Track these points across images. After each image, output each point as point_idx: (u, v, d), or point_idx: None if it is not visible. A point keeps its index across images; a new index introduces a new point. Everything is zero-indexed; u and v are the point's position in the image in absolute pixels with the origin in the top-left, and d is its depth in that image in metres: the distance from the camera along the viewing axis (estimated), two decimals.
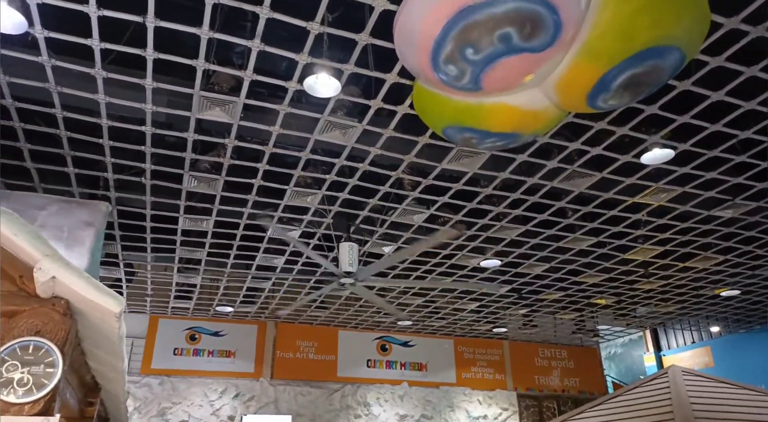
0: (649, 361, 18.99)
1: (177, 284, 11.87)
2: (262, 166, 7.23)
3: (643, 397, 4.85)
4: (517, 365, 17.13)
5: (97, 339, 3.69)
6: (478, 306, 13.79)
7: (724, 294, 12.82)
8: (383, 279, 10.79)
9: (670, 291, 12.75)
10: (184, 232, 9.19)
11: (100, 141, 6.61)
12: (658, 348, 18.94)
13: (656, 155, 6.73)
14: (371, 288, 11.69)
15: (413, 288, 12.19)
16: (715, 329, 16.32)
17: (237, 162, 7.18)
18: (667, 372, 5.11)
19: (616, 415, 4.84)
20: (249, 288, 12.21)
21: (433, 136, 6.52)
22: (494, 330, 15.96)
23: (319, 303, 13.50)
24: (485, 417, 16.00)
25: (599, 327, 16.68)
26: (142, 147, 6.77)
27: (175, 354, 14.05)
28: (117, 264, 10.51)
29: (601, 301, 13.53)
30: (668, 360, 18.53)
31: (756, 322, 15.23)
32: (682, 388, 4.52)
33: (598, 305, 13.85)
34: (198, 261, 10.55)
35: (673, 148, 6.71)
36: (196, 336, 14.39)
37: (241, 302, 13.26)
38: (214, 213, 8.48)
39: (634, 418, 4.49)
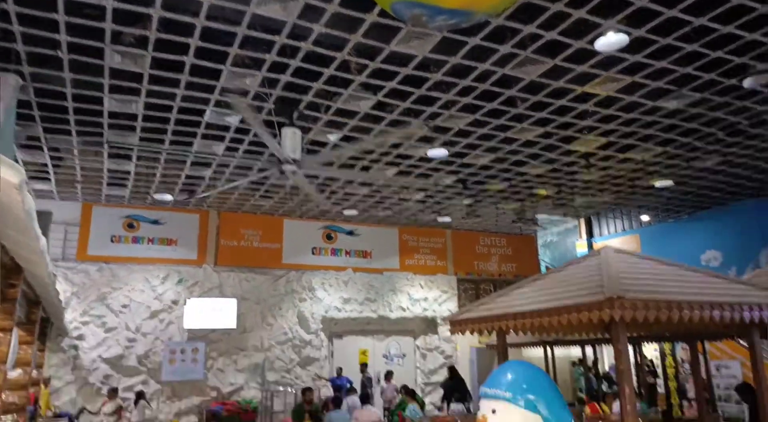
0: (582, 248, 20.12)
1: (109, 171, 11.28)
2: (194, 42, 6.60)
3: (576, 273, 5.03)
4: (458, 252, 17.80)
5: (4, 217, 3.38)
6: (424, 197, 13.92)
7: (658, 184, 13.36)
8: (329, 169, 10.58)
9: (608, 181, 13.18)
10: (112, 114, 8.53)
11: (5, 6, 5.78)
12: (590, 235, 20.02)
13: (610, 41, 6.54)
14: (315, 177, 11.50)
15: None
16: (645, 218, 17.25)
17: (165, 36, 6.50)
18: (600, 251, 5.29)
19: (549, 289, 5.03)
20: (188, 176, 11.76)
21: (382, 13, 6.04)
22: (438, 219, 16.31)
23: (264, 192, 13.26)
24: (426, 299, 16.81)
25: (538, 216, 17.32)
26: (54, 15, 5.99)
27: (112, 241, 13.73)
28: (41, 149, 9.79)
29: (543, 192, 13.90)
30: (599, 246, 19.67)
31: (684, 212, 16.15)
32: (612, 264, 4.70)
33: (539, 196, 14.23)
34: (130, 147, 9.94)
35: (628, 33, 6.51)
36: (134, 224, 14.02)
37: (181, 190, 12.85)
38: (143, 93, 7.84)
39: (566, 291, 4.66)
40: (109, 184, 12.26)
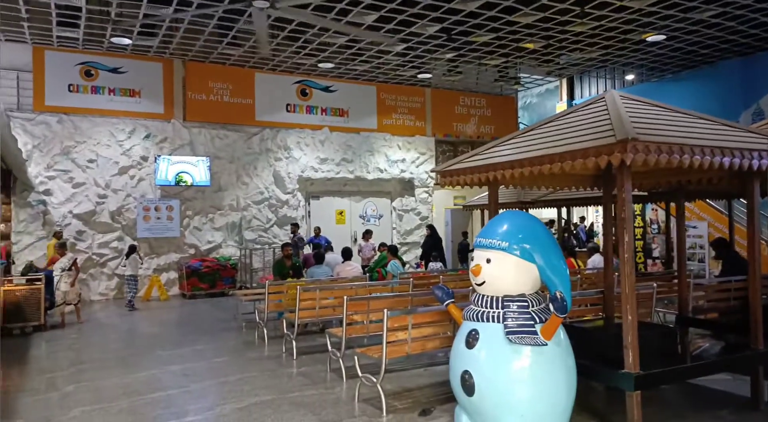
0: (561, 110, 19.76)
1: (57, 6, 10.04)
2: None
3: (579, 119, 4.68)
4: (437, 112, 17.26)
5: None
6: (405, 49, 13.02)
7: (650, 39, 12.71)
8: (301, 12, 9.59)
9: (599, 35, 12.45)
10: None
11: None
12: (571, 97, 19.56)
13: None
14: (286, 23, 10.50)
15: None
16: (629, 77, 16.75)
17: None
18: (604, 96, 4.90)
19: (549, 136, 4.70)
20: (147, 16, 10.58)
21: None
22: (419, 76, 15.51)
23: (232, 39, 12.19)
24: (403, 160, 16.57)
25: (521, 74, 16.65)
26: None
27: (70, 90, 12.74)
28: None
29: (530, 45, 13.13)
30: None
31: (669, 71, 15.66)
32: (620, 108, 4.33)
33: (525, 50, 13.47)
34: None
35: None
36: (92, 71, 12.94)
37: (140, 33, 11.70)
38: None
39: (569, 137, 4.33)
40: (59, 24, 11.03)
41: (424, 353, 5.33)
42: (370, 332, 5.95)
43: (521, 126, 19.20)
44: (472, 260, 4.42)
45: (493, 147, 5.38)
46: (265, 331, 7.93)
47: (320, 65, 14.22)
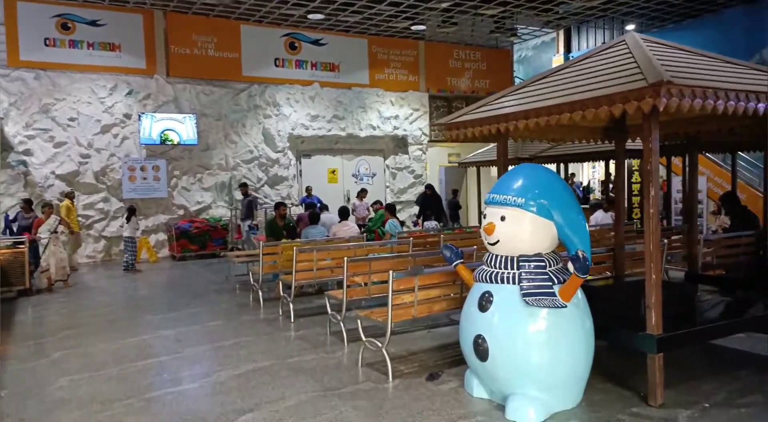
0: (558, 63, 19.22)
1: None
2: None
3: (600, 65, 4.32)
4: (431, 66, 16.68)
5: None
6: None
7: None
8: None
9: None
10: None
11: None
12: (568, 49, 18.99)
13: None
14: None
15: None
16: (630, 27, 16.17)
17: None
18: (624, 39, 4.53)
19: (566, 83, 4.35)
20: None
21: None
22: (412, 27, 14.87)
23: None
24: (396, 117, 16.09)
25: (517, 26, 16.04)
26: None
27: (46, 44, 12.04)
28: None
29: None
30: None
31: (670, 20, 15.13)
32: (646, 51, 3.97)
33: None
34: None
35: None
36: (69, 24, 12.21)
37: None
38: None
39: (591, 83, 3.98)
40: None
41: (429, 316, 5.07)
42: (371, 294, 5.70)
43: (517, 80, 18.68)
44: (485, 217, 4.13)
45: (501, 97, 5.01)
46: (260, 294, 7.67)
47: (310, 16, 13.54)
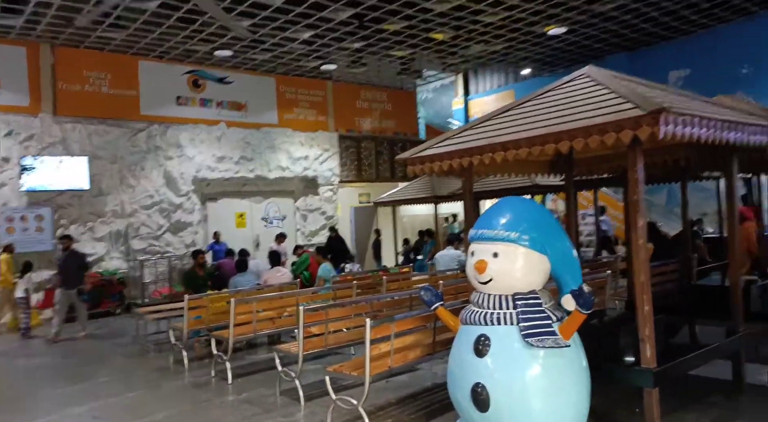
0: (457, 105, 19.98)
1: None
2: None
3: (570, 96, 4.30)
4: (339, 107, 16.58)
5: None
6: (312, 36, 12.18)
7: (551, 32, 13.03)
8: None
9: (507, 26, 12.51)
10: None
11: None
12: (467, 92, 19.84)
13: None
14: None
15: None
16: (525, 71, 17.21)
17: None
18: (583, 72, 4.59)
19: (537, 115, 4.30)
20: None
21: None
22: (323, 67, 14.72)
23: (114, 20, 10.59)
24: (306, 157, 15.70)
25: (424, 69, 16.51)
26: None
27: None
28: None
29: (439, 36, 12.90)
30: (474, 103, 19.66)
31: (562, 65, 16.29)
32: (621, 82, 4.01)
33: (434, 40, 13.23)
34: None
35: None
36: None
37: (1, 10, 9.78)
38: None
39: (577, 114, 3.91)
40: None
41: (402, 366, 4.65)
42: (329, 345, 5.17)
43: (420, 121, 19.11)
44: (472, 255, 3.85)
45: (465, 131, 4.85)
46: (185, 354, 6.79)
47: (216, 53, 12.93)
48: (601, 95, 3.99)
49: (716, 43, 13.82)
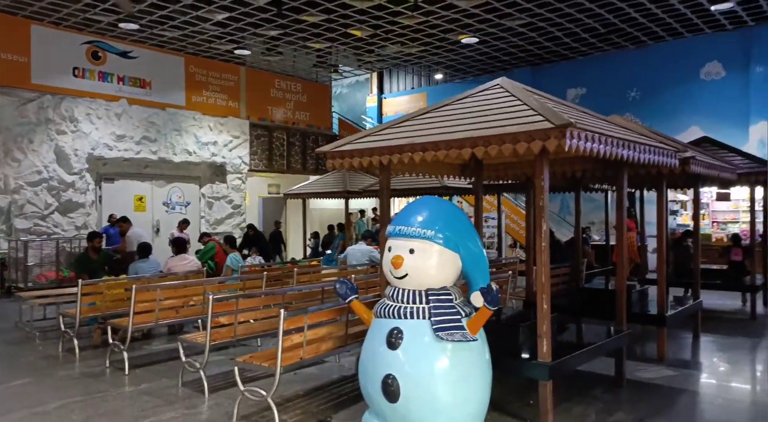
0: (371, 103, 20.22)
1: None
2: None
3: (484, 105, 4.55)
4: (252, 94, 16.19)
5: None
6: (227, 19, 11.81)
7: (464, 40, 13.53)
8: None
9: (423, 30, 12.84)
10: None
11: None
12: (381, 90, 20.12)
13: None
14: None
15: None
16: (438, 76, 17.73)
17: None
18: (497, 83, 4.86)
19: (457, 119, 4.55)
20: None
21: None
22: (236, 51, 14.29)
23: None
24: (215, 143, 15.18)
25: (340, 63, 16.51)
26: None
27: None
28: None
29: (357, 32, 12.99)
30: (388, 102, 20.01)
31: (472, 73, 16.96)
32: (531, 95, 4.31)
33: (352, 36, 13.29)
34: None
35: None
36: None
37: None
38: None
39: (488, 121, 4.16)
40: None
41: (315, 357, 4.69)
42: (237, 336, 5.10)
43: (334, 116, 19.11)
44: (389, 250, 3.97)
45: (385, 129, 4.97)
46: (76, 342, 6.39)
47: (121, 25, 12.17)
48: (514, 106, 4.26)
49: (611, 67, 15.04)
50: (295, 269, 7.43)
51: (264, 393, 4.16)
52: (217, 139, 15.18)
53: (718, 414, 4.63)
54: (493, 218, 14.76)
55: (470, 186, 9.09)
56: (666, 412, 4.55)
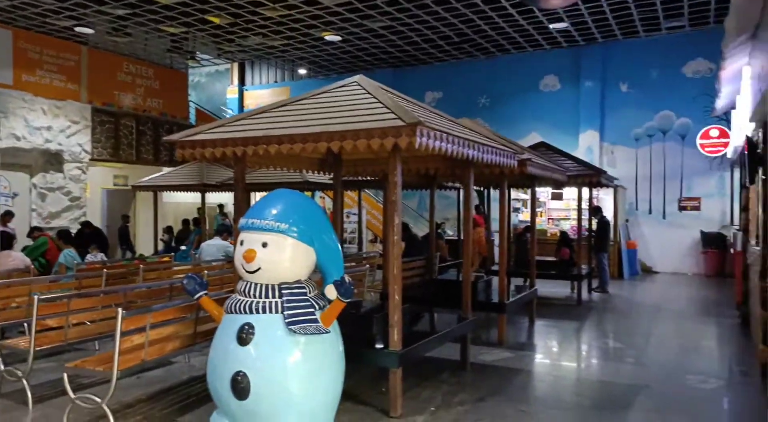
0: (232, 94, 19.54)
1: None
2: None
3: (341, 101, 4.60)
4: (95, 76, 14.80)
5: None
6: None
7: (328, 37, 13.58)
8: None
9: (286, 24, 12.67)
10: None
11: None
12: (242, 82, 19.51)
13: None
14: None
15: None
16: (302, 71, 17.58)
17: None
18: (354, 80, 4.94)
19: (314, 113, 4.57)
20: None
21: None
22: (76, 29, 12.97)
23: None
24: (49, 128, 13.64)
25: (197, 51, 15.72)
26: None
27: None
28: None
29: (216, 20, 12.45)
30: (249, 94, 19.46)
31: (335, 71, 17.06)
32: (386, 94, 4.46)
33: (210, 23, 12.71)
34: None
35: None
36: None
37: None
38: None
39: (348, 117, 4.23)
40: None
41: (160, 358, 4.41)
42: (69, 339, 4.65)
43: (191, 105, 18.14)
44: (241, 244, 3.85)
45: (240, 120, 4.82)
46: None
47: None
48: (370, 104, 4.35)
49: (464, 74, 16.00)
50: (141, 266, 6.94)
51: (98, 399, 3.83)
52: (52, 123, 13.66)
53: (546, 390, 5.13)
54: (354, 214, 15.00)
55: (332, 181, 9.18)
56: (503, 391, 4.94)
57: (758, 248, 5.72)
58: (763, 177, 5.51)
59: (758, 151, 5.73)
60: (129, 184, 14.63)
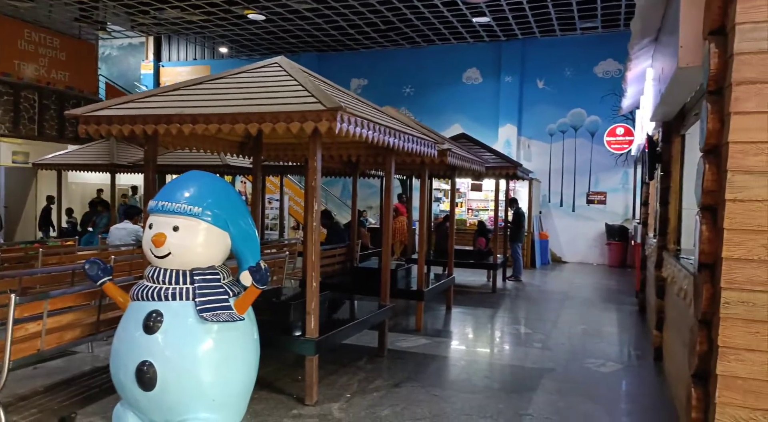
0: (147, 69, 18.56)
1: None
2: None
3: (260, 81, 4.47)
4: None
5: None
6: None
7: (251, 16, 13.16)
8: None
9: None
10: None
11: None
12: (158, 57, 18.57)
13: None
14: None
15: None
16: (224, 50, 16.95)
17: None
18: (276, 61, 4.82)
19: (232, 93, 4.42)
20: None
21: None
22: None
23: None
24: None
25: (108, 21, 14.76)
26: None
27: None
28: None
29: None
30: (166, 71, 18.56)
31: (259, 52, 16.58)
32: (307, 77, 4.40)
33: None
34: None
35: None
36: None
37: None
38: None
39: (267, 99, 4.13)
40: None
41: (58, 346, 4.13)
42: None
43: (101, 79, 17.04)
44: (150, 228, 3.65)
45: (151, 96, 4.57)
46: None
47: None
48: (290, 86, 4.25)
49: (390, 62, 16.04)
50: (41, 249, 6.46)
51: None
52: None
53: (459, 374, 5.28)
54: (276, 199, 14.73)
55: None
56: (418, 376, 5.03)
57: (655, 240, 6.14)
58: (661, 173, 5.90)
59: (657, 149, 6.13)
60: (30, 162, 13.58)
